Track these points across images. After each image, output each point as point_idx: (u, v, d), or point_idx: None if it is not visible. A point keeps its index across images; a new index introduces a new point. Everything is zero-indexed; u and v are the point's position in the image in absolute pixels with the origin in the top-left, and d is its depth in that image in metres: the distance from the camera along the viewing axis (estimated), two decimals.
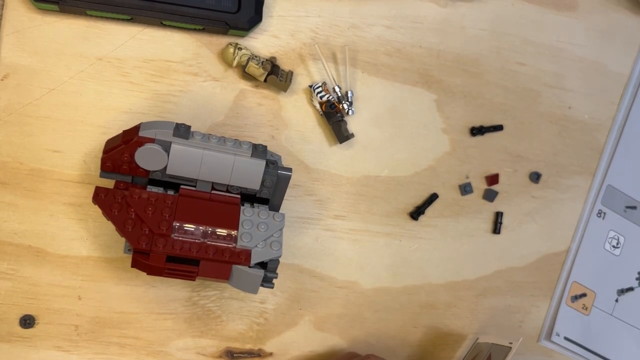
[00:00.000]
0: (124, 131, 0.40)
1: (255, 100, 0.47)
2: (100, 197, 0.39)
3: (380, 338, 0.51)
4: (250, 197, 0.43)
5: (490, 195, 0.53)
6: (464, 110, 0.52)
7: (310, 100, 0.48)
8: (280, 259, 0.44)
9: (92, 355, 0.44)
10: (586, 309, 0.56)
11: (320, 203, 0.49)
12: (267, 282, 0.41)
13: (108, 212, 0.38)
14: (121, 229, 0.38)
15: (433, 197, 0.51)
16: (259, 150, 0.41)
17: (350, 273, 0.50)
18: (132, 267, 0.38)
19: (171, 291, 0.46)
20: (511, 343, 0.46)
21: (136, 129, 0.39)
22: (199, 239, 0.39)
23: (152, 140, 0.39)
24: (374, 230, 0.50)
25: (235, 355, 0.47)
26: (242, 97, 0.47)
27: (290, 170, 0.42)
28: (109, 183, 0.43)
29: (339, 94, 0.48)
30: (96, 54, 0.44)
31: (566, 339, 0.55)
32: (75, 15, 0.44)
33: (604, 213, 0.57)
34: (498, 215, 0.53)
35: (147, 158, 0.39)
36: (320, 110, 0.48)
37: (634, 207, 0.58)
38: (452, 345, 0.53)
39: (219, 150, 0.40)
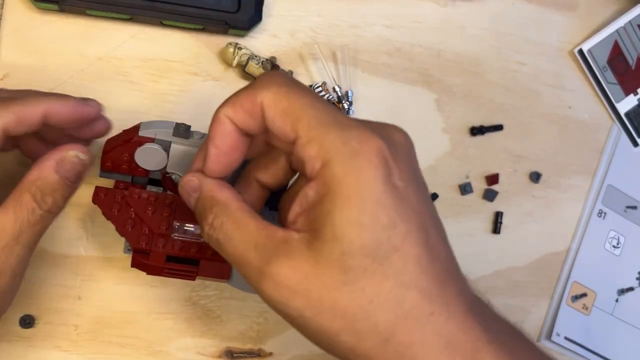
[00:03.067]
0: (124, 131, 0.40)
1: None
2: (100, 196, 0.39)
3: None
4: None
5: (490, 195, 0.53)
6: (464, 109, 0.52)
7: None
8: None
9: (92, 355, 0.44)
10: (587, 308, 0.56)
11: None
12: None
13: (108, 212, 0.38)
14: (121, 228, 0.38)
15: (433, 197, 0.51)
16: None
17: None
18: (132, 267, 0.38)
19: (171, 291, 0.46)
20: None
21: (136, 128, 0.39)
22: (198, 239, 0.39)
23: (152, 140, 0.39)
24: None
25: (235, 355, 0.47)
26: None
27: None
28: (108, 183, 0.43)
29: (339, 94, 0.48)
30: (96, 53, 0.44)
31: (566, 338, 0.55)
32: (75, 15, 0.44)
33: (605, 213, 0.57)
34: (498, 215, 0.53)
35: (146, 158, 0.39)
36: None
37: (635, 207, 0.58)
38: None
39: None
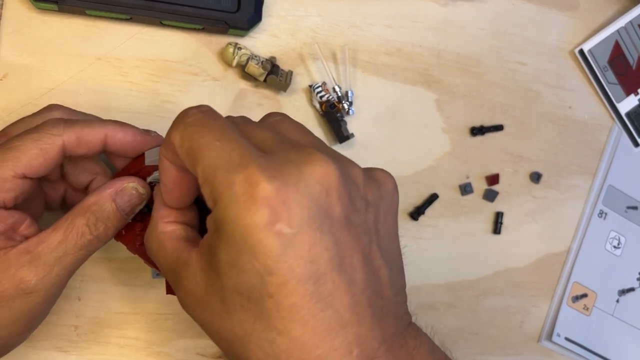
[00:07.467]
0: (130, 163, 0.39)
1: (255, 100, 0.47)
2: (121, 233, 0.38)
3: None
4: None
5: (490, 195, 0.53)
6: (464, 110, 0.52)
7: (310, 100, 0.48)
8: None
9: (91, 355, 0.44)
10: (587, 309, 0.56)
11: None
12: None
13: (132, 247, 0.38)
14: (148, 260, 0.38)
15: (433, 197, 0.51)
16: None
17: None
18: (167, 294, 0.37)
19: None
20: None
21: (141, 159, 0.38)
22: None
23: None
24: None
25: None
26: (242, 97, 0.47)
27: None
28: None
29: (339, 94, 0.48)
30: (95, 53, 0.44)
31: (567, 339, 0.55)
32: (74, 15, 0.43)
33: (605, 213, 0.57)
34: (498, 215, 0.53)
35: None
36: (320, 110, 0.48)
37: (635, 208, 0.58)
38: (451, 346, 0.53)
39: None
